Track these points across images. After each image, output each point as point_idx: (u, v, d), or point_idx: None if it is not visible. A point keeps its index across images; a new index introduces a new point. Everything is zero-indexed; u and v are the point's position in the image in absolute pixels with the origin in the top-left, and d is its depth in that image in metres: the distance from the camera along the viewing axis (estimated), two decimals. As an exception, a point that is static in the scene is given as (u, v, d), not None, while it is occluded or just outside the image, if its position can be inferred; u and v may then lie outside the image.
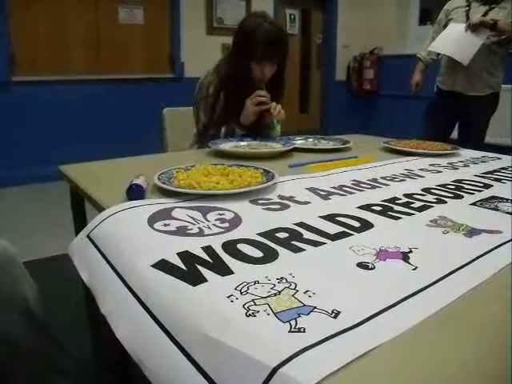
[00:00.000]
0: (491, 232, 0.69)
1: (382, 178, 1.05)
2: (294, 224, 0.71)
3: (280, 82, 1.65)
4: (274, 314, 0.44)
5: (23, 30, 3.63)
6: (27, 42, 3.67)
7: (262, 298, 0.47)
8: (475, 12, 2.48)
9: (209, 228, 0.68)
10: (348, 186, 0.96)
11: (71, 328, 1.30)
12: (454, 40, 2.47)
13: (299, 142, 1.53)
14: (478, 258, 0.59)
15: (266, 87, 1.60)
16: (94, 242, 0.69)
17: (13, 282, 0.95)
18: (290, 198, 0.86)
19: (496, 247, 0.63)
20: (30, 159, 3.65)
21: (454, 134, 2.78)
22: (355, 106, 5.85)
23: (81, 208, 1.13)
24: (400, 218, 0.76)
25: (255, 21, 1.51)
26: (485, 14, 2.44)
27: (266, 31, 1.48)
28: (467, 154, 1.43)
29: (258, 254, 0.59)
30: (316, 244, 0.63)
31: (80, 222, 1.12)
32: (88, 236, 0.71)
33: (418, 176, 1.09)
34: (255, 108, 1.55)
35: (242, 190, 0.85)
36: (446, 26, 2.62)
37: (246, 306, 0.45)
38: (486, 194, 0.93)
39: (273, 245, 0.62)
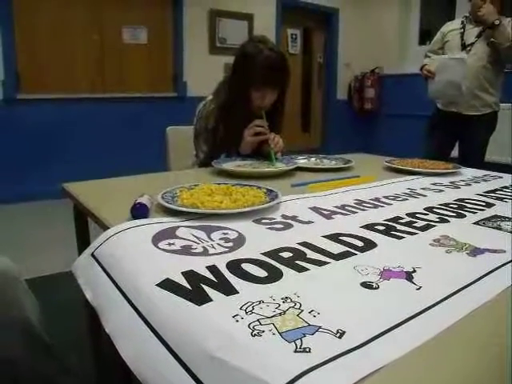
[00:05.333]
0: (494, 251, 0.69)
1: (384, 197, 1.06)
2: (298, 243, 0.71)
3: (279, 111, 1.59)
4: (280, 333, 0.44)
5: (29, 48, 3.69)
6: (32, 59, 3.73)
7: (267, 317, 0.47)
8: (469, 34, 2.55)
9: (213, 247, 0.69)
10: (351, 206, 0.97)
11: (74, 347, 1.29)
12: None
13: (302, 161, 1.54)
14: (481, 277, 0.59)
15: (266, 115, 1.52)
16: (98, 261, 0.69)
17: (15, 300, 0.95)
18: (294, 218, 0.86)
19: (500, 266, 0.63)
20: (34, 176, 3.67)
21: (455, 153, 2.80)
22: (356, 124, 5.89)
23: (84, 226, 1.13)
24: (403, 237, 0.76)
25: (255, 46, 1.46)
26: (479, 35, 2.50)
27: (267, 57, 1.43)
28: (469, 172, 1.44)
29: (262, 273, 0.59)
30: (320, 263, 0.63)
31: (83, 240, 1.12)
32: (92, 254, 0.71)
33: (421, 195, 1.09)
34: (253, 139, 1.51)
35: (245, 209, 0.86)
36: (441, 48, 2.69)
37: (251, 326, 0.45)
38: (489, 212, 0.94)
39: (277, 264, 0.62)
